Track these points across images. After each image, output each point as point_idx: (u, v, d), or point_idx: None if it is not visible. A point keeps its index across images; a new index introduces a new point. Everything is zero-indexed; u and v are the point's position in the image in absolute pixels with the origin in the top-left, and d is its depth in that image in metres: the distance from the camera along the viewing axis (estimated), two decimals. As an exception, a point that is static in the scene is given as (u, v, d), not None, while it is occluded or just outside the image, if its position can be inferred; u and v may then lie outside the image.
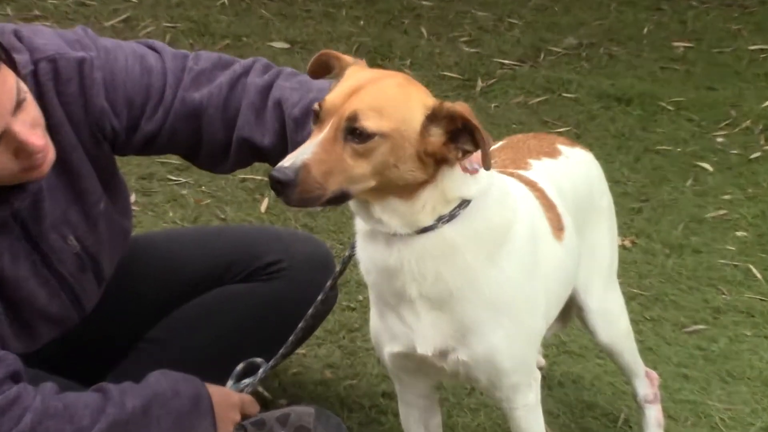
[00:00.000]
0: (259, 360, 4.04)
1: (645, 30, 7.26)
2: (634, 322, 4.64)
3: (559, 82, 6.64)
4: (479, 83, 6.59)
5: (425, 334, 3.31)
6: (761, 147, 6.00)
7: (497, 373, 3.40)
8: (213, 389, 3.78)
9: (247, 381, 3.94)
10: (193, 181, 5.87)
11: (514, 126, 6.15)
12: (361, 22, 7.21)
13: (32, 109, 3.41)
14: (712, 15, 7.46)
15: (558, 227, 3.52)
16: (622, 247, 5.22)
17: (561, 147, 3.96)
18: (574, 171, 3.91)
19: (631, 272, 5.10)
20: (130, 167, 5.83)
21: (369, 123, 2.96)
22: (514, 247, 3.26)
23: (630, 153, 5.95)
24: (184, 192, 5.79)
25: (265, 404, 4.28)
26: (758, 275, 5.03)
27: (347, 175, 3.01)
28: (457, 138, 3.01)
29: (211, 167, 4.11)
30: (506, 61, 6.82)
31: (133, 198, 5.55)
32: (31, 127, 3.36)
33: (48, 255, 3.73)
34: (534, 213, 3.45)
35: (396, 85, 3.12)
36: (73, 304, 3.87)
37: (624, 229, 5.35)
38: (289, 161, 2.98)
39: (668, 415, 4.27)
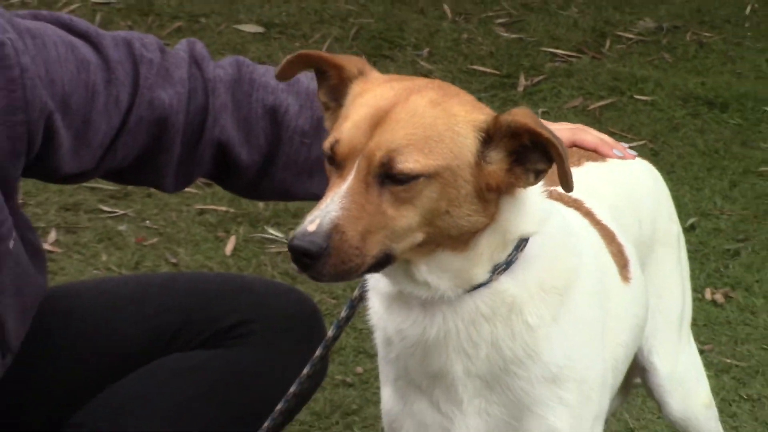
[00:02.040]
0: None
1: (748, 10, 7.29)
2: (726, 401, 4.85)
3: (630, 79, 6.68)
4: (522, 81, 6.64)
5: (469, 424, 3.31)
6: None
7: None
8: None
9: None
10: (134, 213, 5.87)
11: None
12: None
13: None
14: None
15: (622, 264, 3.49)
16: (713, 303, 5.24)
17: None
18: (630, 182, 3.94)
19: (724, 336, 5.12)
20: (47, 194, 5.90)
21: (410, 164, 2.92)
22: (582, 301, 3.24)
23: (725, 176, 5.99)
24: (122, 228, 5.78)
25: None
26: None
27: (390, 230, 2.98)
28: (525, 158, 2.96)
29: (153, 183, 4.11)
30: (559, 51, 6.86)
31: (53, 236, 5.58)
32: None
33: None
34: (599, 252, 3.43)
35: (430, 103, 3.04)
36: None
37: (715, 278, 5.40)
38: (312, 224, 2.92)
39: None
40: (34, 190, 5.85)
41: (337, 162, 3.01)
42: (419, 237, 2.97)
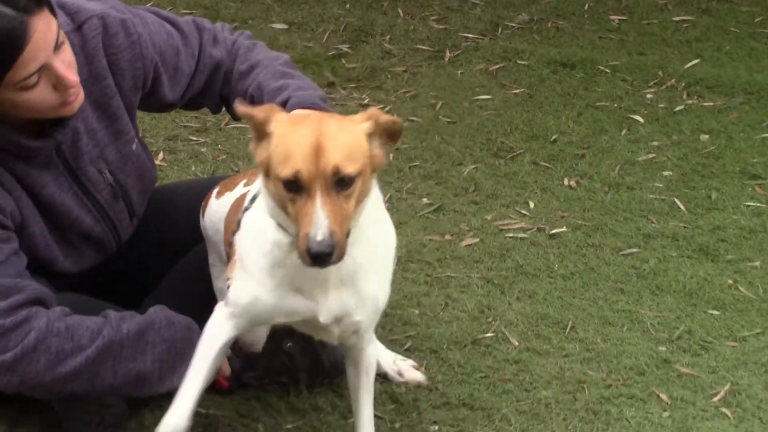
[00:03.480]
0: None
1: (586, 6, 7.34)
2: (579, 247, 4.96)
3: (514, 51, 6.74)
4: (447, 54, 6.70)
5: (330, 305, 3.33)
6: (684, 101, 6.19)
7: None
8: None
9: None
10: (211, 140, 5.91)
11: (477, 89, 6.32)
12: (347, 6, 7.23)
13: (68, 53, 3.54)
14: None
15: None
16: (569, 187, 5.39)
17: None
18: None
19: (576, 207, 5.24)
20: (157, 130, 5.95)
21: (350, 170, 2.99)
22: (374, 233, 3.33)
23: (574, 109, 6.10)
24: (204, 150, 5.83)
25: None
26: (682, 207, 5.20)
27: (349, 218, 3.05)
28: (384, 142, 3.12)
29: (208, 105, 4.25)
30: (470, 35, 6.91)
31: (161, 156, 5.67)
32: (67, 66, 3.49)
33: (86, 185, 3.87)
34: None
35: (337, 128, 3.10)
36: (111, 231, 4.01)
37: (570, 171, 5.54)
38: (319, 234, 2.99)
39: (608, 323, 4.46)
40: (148, 127, 5.90)
41: (301, 186, 3.01)
42: (357, 213, 3.09)
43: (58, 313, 3.57)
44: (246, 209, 3.46)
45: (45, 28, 3.41)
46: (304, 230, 3.00)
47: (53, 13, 3.47)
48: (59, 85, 3.50)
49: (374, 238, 3.33)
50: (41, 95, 3.50)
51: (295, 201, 3.04)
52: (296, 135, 3.07)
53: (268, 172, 3.12)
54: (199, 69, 4.10)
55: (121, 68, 3.87)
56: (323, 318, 3.32)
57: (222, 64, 4.12)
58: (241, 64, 4.11)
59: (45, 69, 3.45)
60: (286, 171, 3.01)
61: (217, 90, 4.15)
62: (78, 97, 3.60)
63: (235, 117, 3.77)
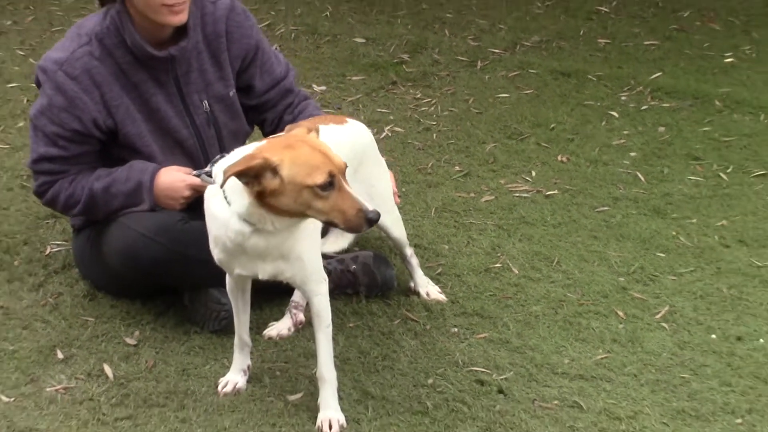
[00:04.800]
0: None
1: (581, 32, 7.21)
2: (566, 205, 4.89)
3: (527, 63, 6.62)
4: (479, 64, 6.60)
5: (266, 268, 3.20)
6: (648, 103, 6.09)
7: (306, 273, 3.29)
8: (163, 178, 3.59)
9: (198, 171, 3.47)
10: None
11: (499, 89, 6.24)
12: (408, 26, 7.14)
13: None
14: (623, 23, 7.44)
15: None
16: (561, 162, 5.33)
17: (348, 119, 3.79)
18: (353, 132, 3.73)
19: (565, 176, 5.18)
20: None
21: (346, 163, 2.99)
22: None
23: (568, 106, 6.00)
24: None
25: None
26: (642, 178, 5.14)
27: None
28: None
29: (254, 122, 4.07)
30: (496, 50, 6.80)
31: None
32: None
33: (189, 106, 3.76)
34: None
35: (316, 139, 3.03)
36: (200, 148, 3.82)
37: (563, 150, 5.47)
38: (369, 207, 2.93)
39: (584, 260, 4.42)
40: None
41: (333, 184, 2.90)
42: None
43: (64, 185, 3.64)
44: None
45: None
46: (353, 210, 2.91)
47: None
48: None
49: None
50: None
51: (328, 197, 2.92)
52: (304, 153, 2.94)
53: (269, 192, 2.93)
54: (281, 84, 4.01)
55: (233, 36, 3.81)
56: (262, 275, 3.23)
57: (292, 98, 4.03)
58: (295, 108, 4.03)
59: None
60: (321, 177, 2.89)
61: (280, 111, 4.02)
62: (182, 12, 3.51)
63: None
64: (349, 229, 3.00)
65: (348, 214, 2.91)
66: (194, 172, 3.52)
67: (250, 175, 2.88)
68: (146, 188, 3.57)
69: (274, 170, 2.88)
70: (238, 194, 2.98)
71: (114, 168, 3.67)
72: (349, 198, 2.91)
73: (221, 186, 2.97)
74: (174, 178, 3.58)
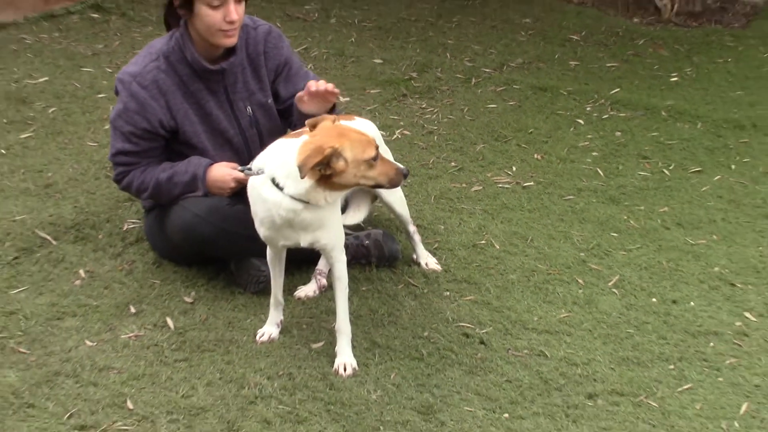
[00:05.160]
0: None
1: (556, 56, 7.11)
2: (539, 194, 4.82)
3: (512, 80, 6.52)
4: (473, 80, 6.51)
5: (306, 237, 3.19)
6: (608, 113, 5.99)
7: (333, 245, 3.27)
8: (214, 172, 3.56)
9: (242, 167, 3.47)
10: None
11: (488, 101, 6.14)
12: (417, 50, 7.03)
13: (241, 10, 3.46)
14: (589, 49, 7.33)
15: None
16: (537, 159, 5.26)
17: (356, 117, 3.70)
18: (365, 126, 3.63)
19: (540, 171, 5.11)
20: None
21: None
22: None
23: (544, 114, 5.92)
24: None
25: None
26: (601, 173, 5.08)
27: None
28: None
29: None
30: (487, 70, 6.71)
31: None
32: (236, 11, 3.43)
33: (235, 111, 3.71)
34: None
35: (351, 126, 3.07)
36: (245, 145, 3.76)
37: (538, 150, 5.39)
38: (403, 167, 3.06)
39: (552, 238, 4.38)
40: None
41: (376, 156, 2.97)
42: None
43: (137, 174, 3.64)
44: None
45: None
46: (393, 171, 3.01)
47: None
48: (226, 17, 3.43)
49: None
50: (215, 18, 3.42)
51: (376, 166, 2.98)
52: (354, 136, 2.98)
53: (335, 173, 2.95)
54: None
55: (269, 54, 3.78)
56: (303, 243, 3.22)
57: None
58: None
59: (224, 3, 3.41)
60: (373, 151, 2.96)
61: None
62: (233, 36, 3.51)
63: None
64: (392, 185, 3.06)
65: (390, 174, 2.99)
66: (238, 168, 3.51)
67: (324, 163, 2.89)
68: (200, 179, 3.57)
69: (339, 154, 2.89)
70: (293, 180, 2.98)
71: (176, 162, 3.66)
72: (388, 163, 3.00)
73: (302, 177, 2.94)
74: (223, 172, 3.55)
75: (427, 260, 4.11)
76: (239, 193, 3.54)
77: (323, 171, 2.93)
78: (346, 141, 2.92)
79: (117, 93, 3.61)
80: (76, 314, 3.63)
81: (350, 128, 3.02)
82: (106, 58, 6.45)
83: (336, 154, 2.90)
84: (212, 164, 3.59)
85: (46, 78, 5.98)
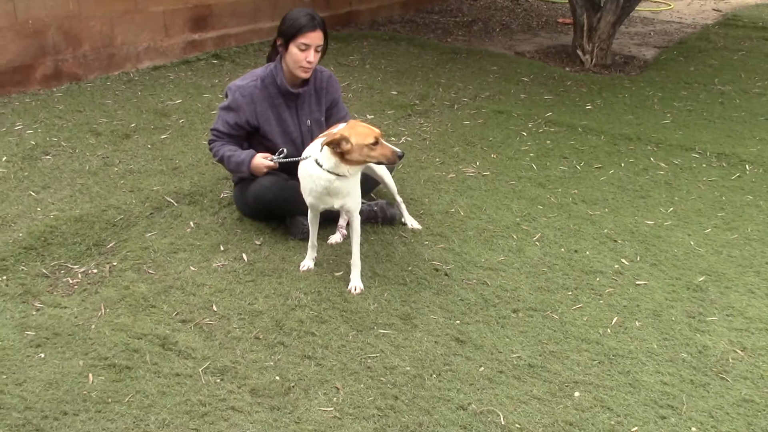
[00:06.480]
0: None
1: (511, 91, 6.82)
2: (493, 180, 4.63)
3: (480, 107, 6.28)
4: (456, 106, 6.29)
5: (337, 201, 3.05)
6: (544, 129, 5.74)
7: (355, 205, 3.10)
8: (255, 161, 3.36)
9: (273, 156, 3.36)
10: None
11: (465, 120, 5.90)
12: (420, 85, 6.77)
13: (317, 59, 3.29)
14: (534, 87, 6.87)
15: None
16: (493, 157, 5.04)
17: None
18: None
19: (495, 165, 4.95)
20: None
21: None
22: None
23: (500, 129, 5.65)
24: None
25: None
26: (535, 167, 4.92)
27: None
28: None
29: None
30: (465, 99, 6.47)
31: None
32: (314, 56, 3.28)
33: (300, 122, 3.54)
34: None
35: (359, 122, 2.91)
36: (302, 143, 3.55)
37: (495, 151, 5.21)
38: (399, 149, 2.85)
39: (498, 208, 4.24)
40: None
41: (377, 141, 2.84)
42: None
43: (218, 146, 3.48)
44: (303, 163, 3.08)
45: (319, 35, 3.29)
46: (389, 152, 2.83)
47: (325, 35, 3.33)
48: (306, 58, 3.30)
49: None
50: (300, 57, 3.30)
51: (377, 149, 2.84)
52: (360, 129, 2.85)
53: (345, 152, 2.83)
54: (336, 117, 3.77)
55: (328, 91, 3.66)
56: (336, 206, 3.08)
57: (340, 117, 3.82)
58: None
59: (308, 49, 3.27)
60: (371, 138, 2.82)
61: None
62: (308, 72, 3.35)
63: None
64: (389, 163, 2.87)
65: (387, 155, 2.84)
66: (269, 157, 3.38)
67: (335, 144, 2.84)
68: (246, 164, 3.43)
69: (347, 140, 2.82)
70: (327, 158, 2.90)
71: (240, 148, 3.51)
72: (387, 147, 2.85)
73: (320, 151, 2.87)
74: (260, 162, 3.42)
75: (412, 222, 4.02)
76: (292, 172, 3.42)
77: (337, 150, 2.86)
78: (352, 131, 2.84)
79: (226, 96, 3.49)
80: (185, 250, 3.63)
81: (361, 124, 2.89)
82: (220, 88, 6.42)
83: (345, 139, 2.84)
84: (255, 155, 3.42)
85: (180, 100, 5.97)
